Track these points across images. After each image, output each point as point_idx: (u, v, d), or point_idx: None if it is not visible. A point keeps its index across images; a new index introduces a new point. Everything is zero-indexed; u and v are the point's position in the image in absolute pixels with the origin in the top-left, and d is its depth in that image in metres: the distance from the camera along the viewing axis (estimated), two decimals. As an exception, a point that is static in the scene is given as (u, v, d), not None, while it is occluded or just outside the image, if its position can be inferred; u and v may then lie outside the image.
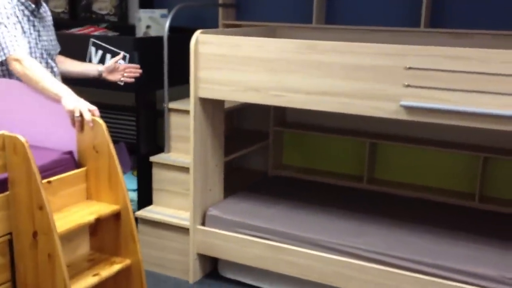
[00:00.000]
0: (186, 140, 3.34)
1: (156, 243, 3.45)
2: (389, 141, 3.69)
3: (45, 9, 2.67)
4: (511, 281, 2.62)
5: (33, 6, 2.53)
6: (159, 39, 3.40)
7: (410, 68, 2.59)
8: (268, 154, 4.08)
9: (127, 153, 4.09)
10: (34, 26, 2.55)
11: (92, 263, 2.35)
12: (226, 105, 3.66)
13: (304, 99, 2.86)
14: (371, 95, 2.69)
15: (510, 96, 2.44)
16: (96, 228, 2.40)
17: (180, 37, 3.31)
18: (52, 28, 2.71)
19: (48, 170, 2.25)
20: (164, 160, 3.46)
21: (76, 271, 2.25)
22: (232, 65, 2.99)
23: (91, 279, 2.22)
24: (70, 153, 2.39)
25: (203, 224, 3.34)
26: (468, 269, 2.71)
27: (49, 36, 2.66)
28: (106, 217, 2.32)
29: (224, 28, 4.01)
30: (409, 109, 2.63)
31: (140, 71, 2.97)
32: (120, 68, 2.92)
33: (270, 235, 3.13)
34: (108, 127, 2.31)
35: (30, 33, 2.52)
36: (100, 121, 2.29)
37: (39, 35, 2.58)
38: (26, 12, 2.51)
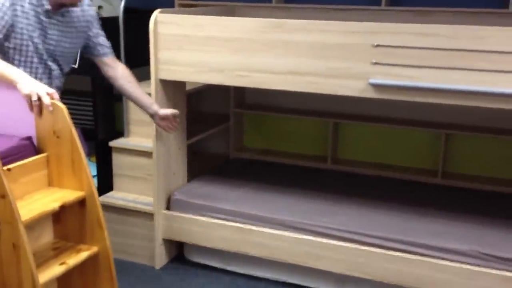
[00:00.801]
0: (145, 124, 3.24)
1: (120, 229, 3.35)
2: (352, 121, 3.68)
3: (77, 14, 2.53)
4: (483, 255, 2.66)
5: (48, 7, 2.39)
6: (113, 19, 3.27)
7: (378, 45, 2.57)
8: (229, 137, 4.01)
9: (83, 139, 3.94)
10: (42, 25, 2.41)
11: (58, 251, 2.24)
12: (191, 87, 3.57)
13: (270, 79, 2.80)
14: (339, 74, 2.66)
15: (479, 72, 2.45)
16: (59, 215, 2.29)
17: (136, 17, 3.19)
18: (78, 34, 2.55)
19: (7, 157, 2.13)
20: (124, 145, 3.35)
21: (42, 261, 2.14)
22: (194, 46, 2.90)
23: (58, 268, 2.12)
24: (29, 139, 2.27)
25: (167, 208, 3.26)
26: (438, 244, 2.74)
27: (65, 40, 2.50)
28: (70, 203, 2.22)
29: (179, 8, 3.90)
30: (378, 87, 2.61)
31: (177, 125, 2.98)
32: (169, 117, 2.90)
33: (237, 217, 3.09)
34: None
35: (29, 30, 2.38)
36: (61, 104, 2.17)
37: (45, 36, 2.43)
38: (39, 10, 2.38)
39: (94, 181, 3.50)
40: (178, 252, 3.41)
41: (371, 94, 2.63)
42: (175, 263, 3.35)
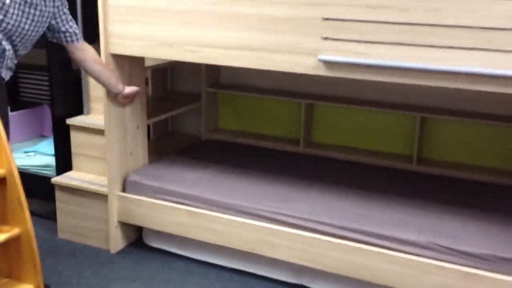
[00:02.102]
0: (107, 102, 3.11)
1: (75, 211, 3.24)
2: (325, 102, 3.49)
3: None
4: (438, 247, 2.47)
5: None
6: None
7: (327, 19, 2.38)
8: (201, 117, 3.86)
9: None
10: (3, 3, 2.30)
11: (-24, 232, 2.15)
12: (154, 63, 3.43)
13: (221, 55, 2.64)
14: (289, 49, 2.48)
15: (432, 48, 2.24)
16: (-23, 195, 2.19)
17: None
18: (41, 18, 2.43)
19: None
20: (81, 122, 3.23)
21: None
22: (143, 18, 2.75)
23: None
24: None
25: (123, 190, 3.13)
26: (394, 234, 2.55)
27: (26, 21, 2.38)
28: (-13, 182, 2.11)
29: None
30: (328, 63, 2.42)
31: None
32: (131, 94, 2.92)
33: (190, 201, 2.94)
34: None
35: None
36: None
37: (5, 15, 2.32)
38: None
39: (52, 160, 3.44)
40: (138, 236, 3.29)
41: (321, 71, 2.45)
42: (132, 247, 3.23)
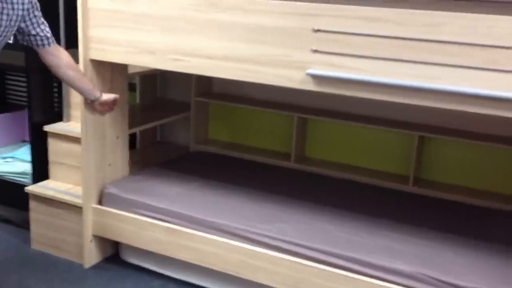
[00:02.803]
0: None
1: (50, 222, 3.07)
2: (319, 116, 3.31)
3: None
4: (429, 278, 2.29)
5: None
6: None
7: (318, 30, 2.21)
8: (190, 128, 3.69)
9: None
10: None
11: None
12: (141, 69, 3.26)
13: (205, 65, 2.47)
14: (275, 62, 2.31)
15: (431, 66, 2.07)
16: None
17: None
18: (8, 23, 2.24)
19: None
20: (59, 129, 3.06)
21: None
22: (125, 23, 2.59)
23: None
24: None
25: (100, 203, 2.96)
26: (382, 263, 2.38)
27: None
28: None
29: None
30: (317, 78, 2.25)
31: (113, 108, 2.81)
32: (109, 102, 2.72)
33: (169, 217, 2.77)
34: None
35: None
36: None
37: None
38: None
39: (29, 168, 3.27)
40: (115, 251, 3.12)
41: (309, 86, 2.27)
42: (108, 262, 3.05)
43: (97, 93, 2.64)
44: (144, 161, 3.56)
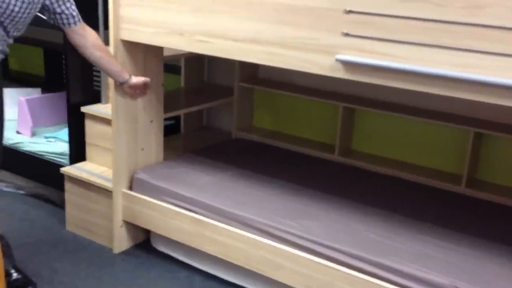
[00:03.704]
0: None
1: (83, 204, 3.05)
2: (365, 107, 3.08)
3: None
4: (464, 291, 2.06)
5: None
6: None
7: (350, 11, 2.00)
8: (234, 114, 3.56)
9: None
10: None
11: None
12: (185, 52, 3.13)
13: (231, 47, 2.32)
14: (303, 46, 2.13)
15: (472, 54, 1.82)
16: None
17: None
18: None
19: None
20: (96, 111, 3.02)
21: None
22: (154, 2, 2.48)
23: None
24: None
25: (130, 188, 2.90)
26: (411, 270, 2.15)
27: (15, 2, 2.16)
28: None
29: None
30: (347, 65, 2.05)
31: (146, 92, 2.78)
32: (139, 85, 2.68)
33: (195, 207, 2.66)
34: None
35: None
36: None
37: None
38: None
39: (65, 148, 3.26)
40: (146, 237, 3.05)
41: (339, 73, 2.07)
42: (138, 249, 2.99)
43: (126, 76, 2.56)
44: (185, 146, 3.48)
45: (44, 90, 4.02)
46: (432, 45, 1.88)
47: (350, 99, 3.17)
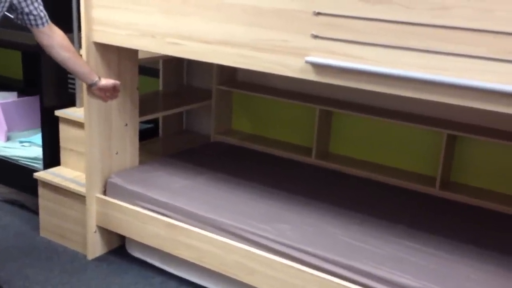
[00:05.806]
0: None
1: (56, 210, 3.01)
2: (344, 109, 3.07)
3: None
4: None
5: None
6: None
7: (319, 13, 1.99)
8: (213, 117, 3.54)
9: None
10: None
11: None
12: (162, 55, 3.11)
13: (202, 50, 2.30)
14: (273, 48, 2.12)
15: (437, 56, 1.81)
16: None
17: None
18: None
19: None
20: (69, 115, 2.98)
21: None
22: (126, 4, 2.46)
23: None
24: None
25: (104, 193, 2.86)
26: (386, 275, 2.14)
27: None
28: None
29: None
30: (317, 67, 2.03)
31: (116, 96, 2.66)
32: (108, 88, 2.57)
33: (169, 211, 2.63)
34: None
35: None
36: None
37: None
38: None
39: (39, 152, 3.22)
40: (121, 243, 3.02)
41: (309, 75, 2.06)
42: (112, 255, 2.96)
43: (94, 77, 2.52)
44: (163, 150, 3.45)
45: (21, 94, 3.98)
46: (400, 47, 1.88)
47: (327, 101, 3.16)
